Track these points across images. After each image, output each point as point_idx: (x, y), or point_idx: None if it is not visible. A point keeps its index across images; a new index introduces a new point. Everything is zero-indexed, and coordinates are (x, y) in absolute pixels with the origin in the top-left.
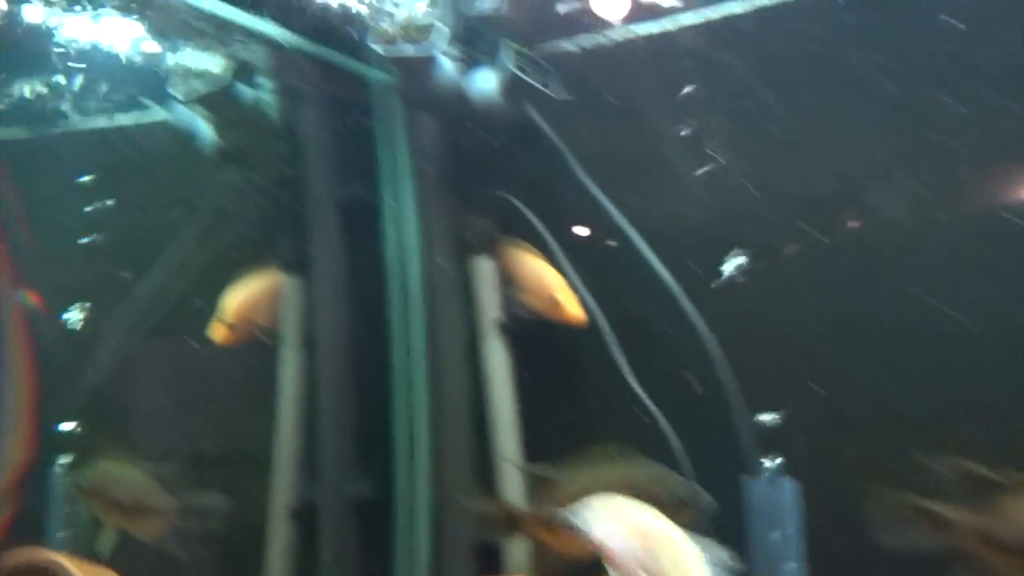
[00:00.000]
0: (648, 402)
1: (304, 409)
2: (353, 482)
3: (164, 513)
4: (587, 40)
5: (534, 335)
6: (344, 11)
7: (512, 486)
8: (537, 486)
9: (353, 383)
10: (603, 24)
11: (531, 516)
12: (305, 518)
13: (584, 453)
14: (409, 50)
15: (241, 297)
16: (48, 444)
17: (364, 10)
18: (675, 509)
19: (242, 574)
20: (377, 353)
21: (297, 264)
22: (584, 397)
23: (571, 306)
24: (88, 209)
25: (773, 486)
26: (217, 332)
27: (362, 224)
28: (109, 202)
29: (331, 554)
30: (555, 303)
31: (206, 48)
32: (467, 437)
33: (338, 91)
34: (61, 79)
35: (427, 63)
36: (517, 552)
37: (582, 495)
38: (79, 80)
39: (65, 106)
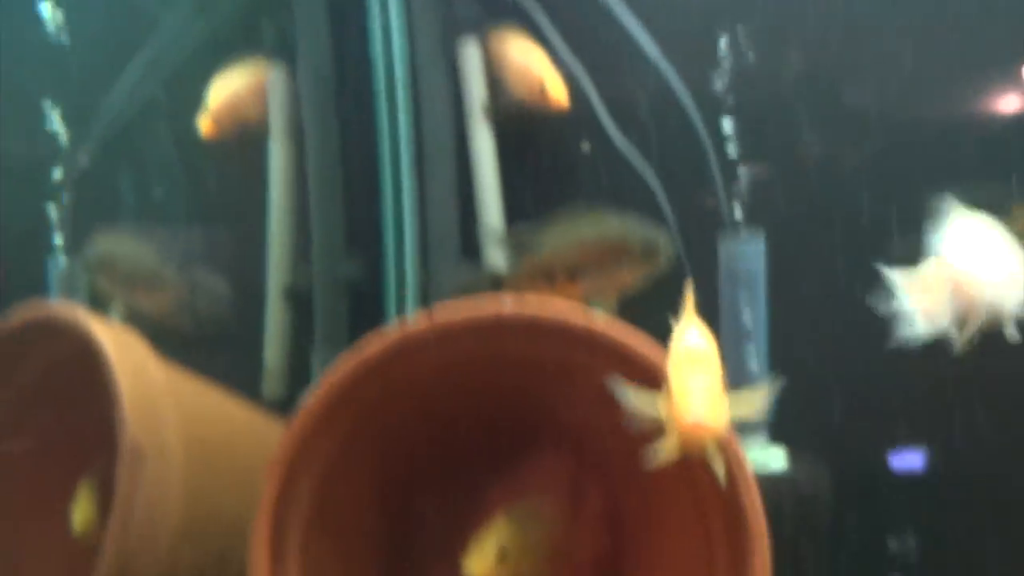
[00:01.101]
0: (635, 162)
1: (294, 197)
2: (344, 264)
3: (171, 288)
4: None
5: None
6: None
7: (496, 256)
8: (519, 249)
9: (341, 169)
10: None
11: (514, 280)
12: (299, 299)
13: (561, 213)
14: None
15: (226, 89)
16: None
17: None
18: (646, 257)
19: (240, 350)
20: (364, 139)
21: (282, 51)
22: (569, 169)
23: (558, 92)
24: None
25: (744, 244)
26: (203, 125)
27: (347, 8)
28: None
29: (324, 332)
30: (542, 89)
31: None
32: (453, 218)
33: None
34: None
35: None
36: None
37: (559, 251)
38: None
39: None
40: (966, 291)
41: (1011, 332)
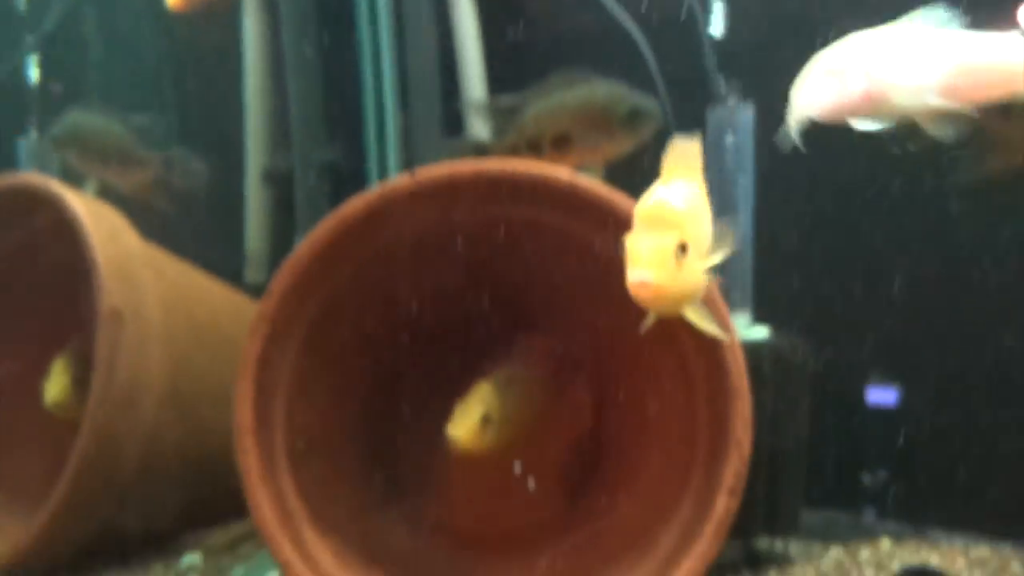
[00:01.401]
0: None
1: (271, 75)
2: (324, 148)
3: (147, 165)
4: None
5: None
6: None
7: (480, 128)
8: (504, 120)
9: (319, 45)
10: None
11: (499, 150)
12: (279, 183)
13: (548, 79)
14: None
15: None
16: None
17: None
18: (634, 125)
19: (221, 235)
20: (342, 12)
21: None
22: (557, 38)
23: None
24: None
25: (733, 110)
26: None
27: None
28: None
29: (305, 216)
30: None
31: None
32: (435, 92)
33: None
34: None
35: None
36: None
37: (545, 117)
38: None
39: None
40: (879, 75)
41: (933, 131)
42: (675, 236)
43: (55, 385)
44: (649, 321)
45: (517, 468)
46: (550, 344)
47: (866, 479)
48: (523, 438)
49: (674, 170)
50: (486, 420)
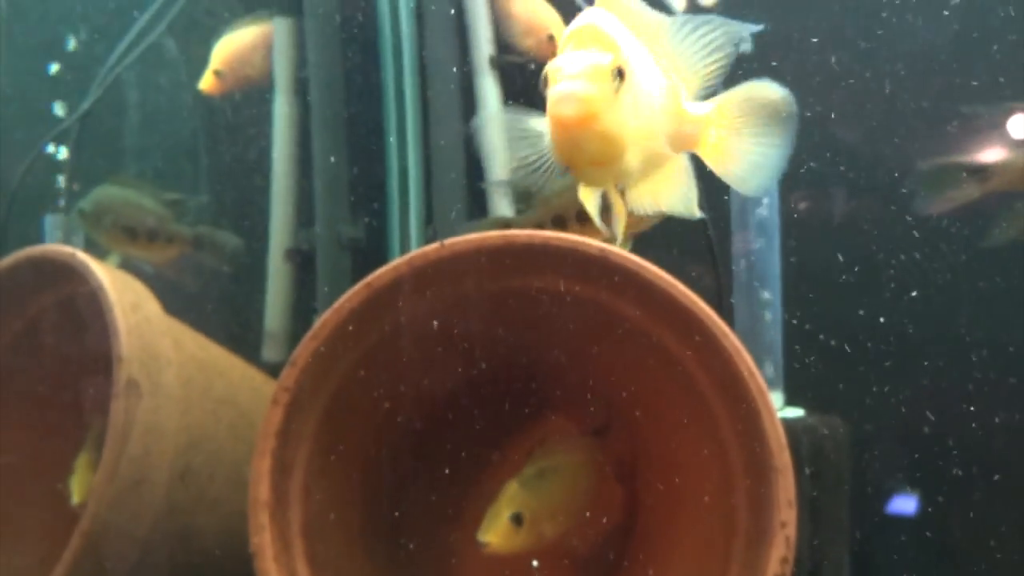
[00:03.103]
0: None
1: (298, 155)
2: (348, 225)
3: (175, 241)
4: None
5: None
6: None
7: (504, 208)
8: (526, 199)
9: (346, 126)
10: None
11: (523, 224)
12: (302, 260)
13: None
14: None
15: (231, 45)
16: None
17: None
18: None
19: (243, 310)
20: (370, 95)
21: (288, 6)
22: None
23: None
24: None
25: None
26: (207, 82)
27: None
28: None
29: (326, 293)
30: (549, 39)
31: None
32: (460, 173)
33: None
34: None
35: None
36: None
37: (569, 192)
38: None
39: None
40: None
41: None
42: (610, 56)
43: (82, 483)
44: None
45: (537, 563)
46: (581, 427)
47: None
48: (566, 526)
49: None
50: (516, 521)
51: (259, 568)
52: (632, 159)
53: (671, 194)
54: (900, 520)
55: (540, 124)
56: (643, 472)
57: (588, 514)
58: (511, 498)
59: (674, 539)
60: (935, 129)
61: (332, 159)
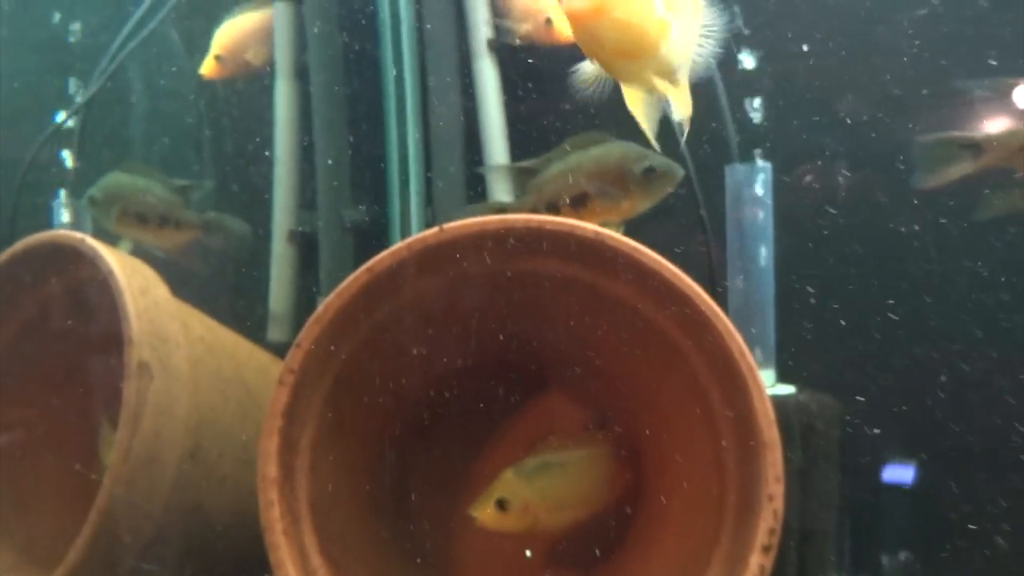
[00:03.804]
0: None
1: (299, 138)
2: (349, 207)
3: (184, 227)
4: None
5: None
6: None
7: (502, 191)
8: (524, 183)
9: (346, 109)
10: None
11: (519, 211)
12: (304, 242)
13: (566, 142)
14: None
15: (232, 30)
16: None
17: None
18: (652, 184)
19: (248, 292)
20: (369, 78)
21: None
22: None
23: (563, 28)
24: None
25: (751, 171)
26: (208, 67)
27: None
28: None
29: (329, 276)
30: (548, 22)
31: None
32: (459, 156)
33: None
34: None
35: None
36: None
37: (562, 178)
38: None
39: None
40: None
41: None
42: None
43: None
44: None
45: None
46: (580, 405)
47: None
48: (568, 517)
49: None
50: (500, 506)
51: (269, 542)
52: (664, 44)
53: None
54: (893, 495)
55: None
56: (644, 453)
57: (596, 506)
58: (503, 484)
59: (668, 514)
60: (932, 104)
61: (333, 142)
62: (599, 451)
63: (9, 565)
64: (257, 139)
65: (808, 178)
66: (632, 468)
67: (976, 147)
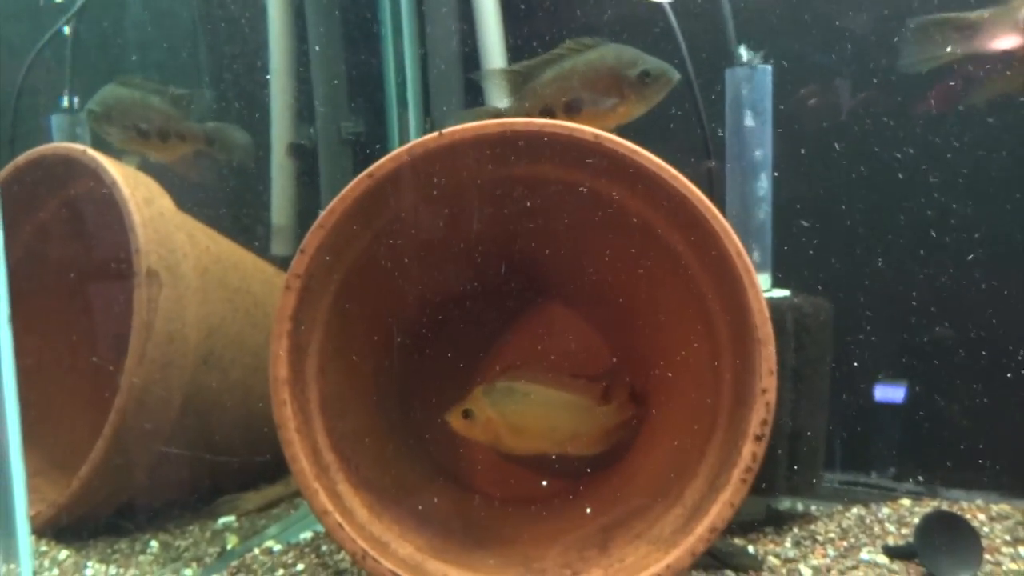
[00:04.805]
0: None
1: (295, 49)
2: (347, 119)
3: (187, 139)
4: None
5: None
6: None
7: (499, 96)
8: (520, 87)
9: (341, 25)
10: None
11: (513, 114)
12: (304, 157)
13: (562, 46)
14: None
15: None
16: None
17: None
18: (643, 84)
19: (246, 201)
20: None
21: None
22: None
23: None
24: None
25: (751, 74)
26: None
27: None
28: None
29: (329, 188)
30: None
31: None
32: (455, 62)
33: None
34: None
35: None
36: None
37: (556, 83)
38: None
39: None
40: None
41: None
42: None
43: None
44: None
45: None
46: (579, 310)
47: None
48: (531, 447)
49: None
50: (467, 415)
51: (283, 438)
52: None
53: None
54: (886, 400)
55: None
56: (636, 345)
57: (568, 449)
58: (471, 398)
59: (668, 413)
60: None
61: (329, 52)
62: (578, 400)
63: (36, 469)
64: (253, 50)
65: (805, 89)
66: (636, 376)
67: (968, 28)
